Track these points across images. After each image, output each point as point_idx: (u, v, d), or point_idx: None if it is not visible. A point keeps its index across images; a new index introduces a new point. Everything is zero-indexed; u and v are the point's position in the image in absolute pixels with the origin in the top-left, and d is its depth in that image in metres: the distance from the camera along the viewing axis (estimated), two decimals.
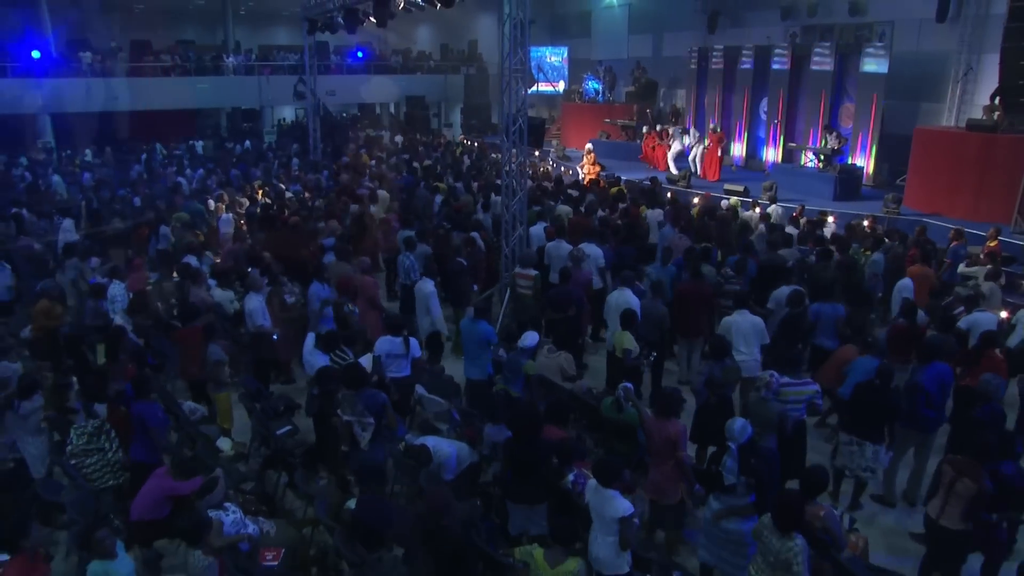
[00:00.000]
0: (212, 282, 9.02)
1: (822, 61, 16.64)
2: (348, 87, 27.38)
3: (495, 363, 7.21)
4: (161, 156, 21.60)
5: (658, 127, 19.69)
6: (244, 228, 12.30)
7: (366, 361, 6.77)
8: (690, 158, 17.78)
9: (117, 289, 8.58)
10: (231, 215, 12.64)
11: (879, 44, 15.80)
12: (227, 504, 5.09)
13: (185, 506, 5.01)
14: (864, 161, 16.06)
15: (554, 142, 23.21)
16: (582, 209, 11.90)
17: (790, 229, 10.64)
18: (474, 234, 10.09)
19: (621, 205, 12.43)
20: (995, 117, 12.91)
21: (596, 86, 23.91)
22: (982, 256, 9.53)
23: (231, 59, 26.17)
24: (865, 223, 11.66)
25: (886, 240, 10.05)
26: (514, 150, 9.59)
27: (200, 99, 25.20)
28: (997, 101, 13.11)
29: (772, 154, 18.36)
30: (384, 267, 11.44)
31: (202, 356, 7.10)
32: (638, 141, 20.45)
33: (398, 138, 25.73)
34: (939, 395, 6.04)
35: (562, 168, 19.64)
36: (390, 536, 4.80)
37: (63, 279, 9.79)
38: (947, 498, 4.91)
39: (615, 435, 5.99)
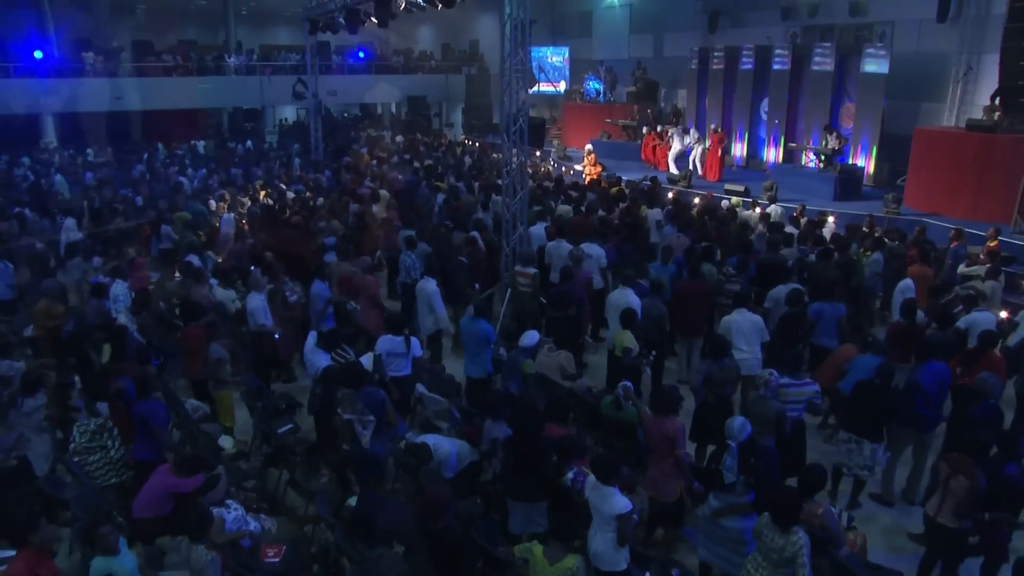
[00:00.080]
0: (214, 281, 9.06)
1: (823, 61, 16.65)
2: (349, 87, 27.44)
3: (495, 362, 7.25)
4: (163, 156, 21.65)
5: (658, 127, 19.71)
6: (246, 228, 12.34)
7: (367, 360, 6.81)
8: (691, 158, 17.80)
9: (120, 288, 8.62)
10: (233, 215, 12.69)
11: (879, 44, 15.82)
12: (229, 501, 5.14)
13: (187, 503, 5.04)
14: (864, 161, 16.08)
15: (555, 142, 23.24)
16: (582, 209, 11.93)
17: (790, 229, 10.66)
18: (474, 233, 10.12)
19: (621, 205, 12.44)
20: (995, 117, 12.93)
21: (597, 86, 23.93)
22: (982, 256, 9.54)
23: (233, 59, 26.22)
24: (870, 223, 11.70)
25: (886, 240, 10.06)
26: (515, 150, 9.62)
27: (202, 99, 25.23)
28: (997, 101, 13.13)
29: (773, 154, 18.39)
30: (385, 266, 11.47)
31: (204, 355, 7.14)
32: (639, 141, 20.47)
33: (399, 138, 25.78)
34: (937, 394, 6.07)
35: (563, 168, 19.67)
36: (391, 533, 4.84)
37: (66, 278, 9.84)
38: (943, 495, 4.95)
39: (614, 433, 6.02)
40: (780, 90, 17.81)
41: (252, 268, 8.75)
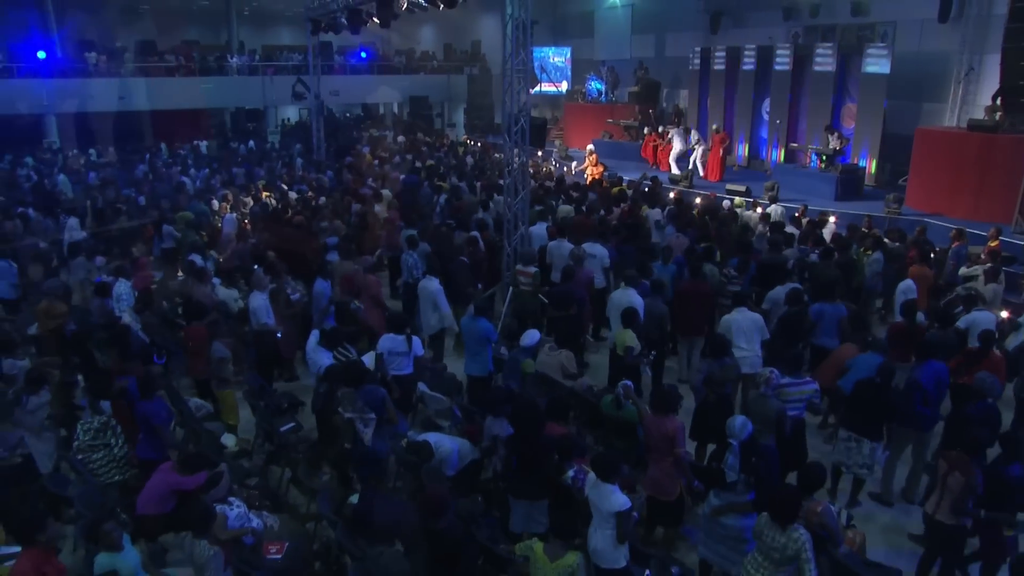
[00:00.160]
0: (216, 280, 9.10)
1: (824, 62, 16.66)
2: (352, 87, 27.48)
3: (496, 360, 7.28)
4: (165, 156, 21.70)
5: (660, 128, 19.73)
6: (248, 227, 12.38)
7: (369, 359, 6.85)
8: (692, 158, 17.82)
9: (123, 287, 8.66)
10: (235, 215, 12.73)
11: (881, 44, 15.82)
12: (231, 499, 5.17)
13: (190, 501, 5.08)
14: (866, 161, 16.08)
15: (557, 142, 23.27)
16: (583, 208, 11.97)
17: (791, 229, 10.68)
18: (474, 233, 10.16)
19: (622, 205, 12.46)
20: (996, 117, 12.94)
21: (599, 86, 23.96)
22: (983, 256, 9.55)
23: (235, 59, 26.27)
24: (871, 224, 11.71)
25: (886, 240, 10.08)
26: (516, 150, 9.65)
27: (204, 99, 25.28)
28: (998, 101, 13.13)
29: (774, 154, 18.39)
30: (387, 266, 11.52)
31: (207, 354, 7.18)
32: (640, 142, 20.49)
33: (401, 138, 25.83)
34: (935, 393, 6.09)
35: (564, 168, 19.70)
36: (392, 531, 4.87)
37: (70, 278, 9.88)
38: (941, 493, 4.98)
39: (615, 432, 6.05)
40: (782, 90, 17.82)
41: (255, 267, 8.78)
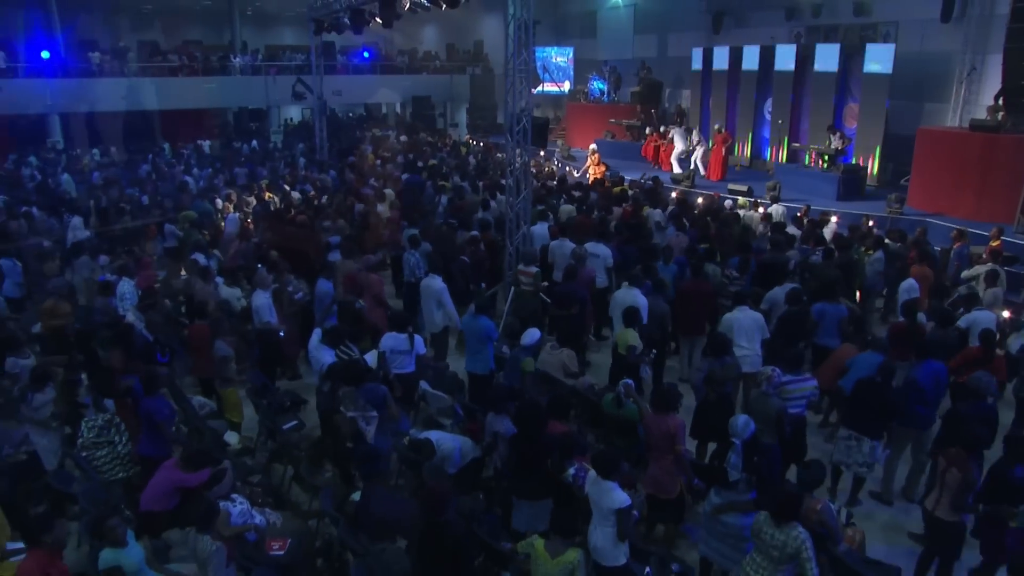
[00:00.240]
0: (219, 279, 9.15)
1: (826, 61, 16.65)
2: (354, 87, 27.52)
3: (498, 359, 7.31)
4: (168, 155, 21.77)
5: (661, 128, 19.76)
6: (250, 227, 12.43)
7: (372, 357, 6.88)
8: (694, 158, 17.83)
9: (126, 286, 8.71)
10: (237, 215, 12.77)
11: (883, 44, 15.82)
12: (234, 495, 5.21)
13: (193, 497, 5.12)
14: (868, 161, 16.08)
15: (559, 142, 23.29)
16: (584, 208, 12.00)
17: (792, 229, 10.70)
18: (474, 232, 10.20)
19: (623, 205, 12.49)
20: (998, 117, 12.94)
21: (601, 86, 23.97)
22: (984, 256, 9.56)
23: (238, 59, 26.34)
24: (870, 223, 11.72)
25: (887, 240, 10.09)
26: (518, 150, 9.68)
27: (207, 99, 25.36)
28: (1000, 101, 13.14)
29: (776, 154, 18.41)
30: (390, 265, 11.56)
31: (210, 352, 7.22)
32: (642, 141, 20.52)
33: (403, 137, 25.88)
34: (933, 392, 6.11)
35: (566, 168, 19.72)
36: (393, 528, 4.90)
37: (74, 277, 9.93)
38: (940, 489, 5.00)
39: (615, 430, 6.08)
40: (784, 90, 17.83)
41: (259, 266, 8.82)
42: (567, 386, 6.82)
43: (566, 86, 26.71)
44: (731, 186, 15.50)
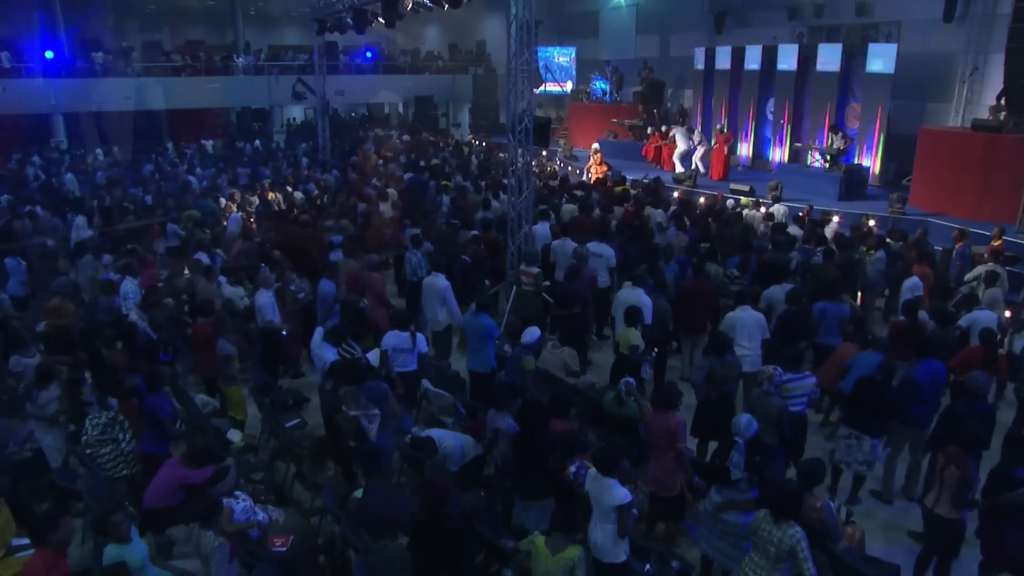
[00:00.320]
0: (222, 278, 9.18)
1: (828, 61, 16.67)
2: (357, 87, 27.55)
3: (499, 358, 7.34)
4: (172, 155, 21.83)
5: (663, 128, 19.78)
6: (253, 226, 12.46)
7: (374, 356, 6.91)
8: (695, 158, 17.85)
9: (130, 286, 8.74)
10: (240, 214, 12.81)
11: (886, 44, 15.82)
12: (237, 493, 5.24)
13: (197, 494, 5.15)
14: (870, 161, 16.10)
15: (561, 142, 23.31)
16: (585, 207, 12.01)
17: (794, 229, 10.71)
18: (474, 232, 10.23)
19: (625, 204, 12.51)
20: (1001, 117, 12.94)
21: (603, 86, 24.00)
22: (985, 256, 9.57)
23: (241, 59, 26.40)
24: (871, 223, 11.73)
25: (888, 240, 10.10)
26: (520, 150, 9.71)
27: (210, 99, 25.42)
28: (1003, 101, 13.13)
29: (778, 154, 18.42)
30: (393, 264, 11.61)
31: (213, 351, 7.25)
32: (645, 141, 20.54)
33: (406, 137, 25.93)
34: (931, 391, 6.12)
35: (569, 168, 19.74)
36: (395, 525, 4.94)
37: (78, 276, 9.97)
38: (940, 487, 5.02)
39: (616, 429, 6.10)
40: (786, 90, 17.84)
41: (261, 266, 8.86)
42: (568, 385, 6.85)
43: (568, 86, 26.74)
44: (733, 186, 15.52)
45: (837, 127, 16.07)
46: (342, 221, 11.66)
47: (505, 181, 11.02)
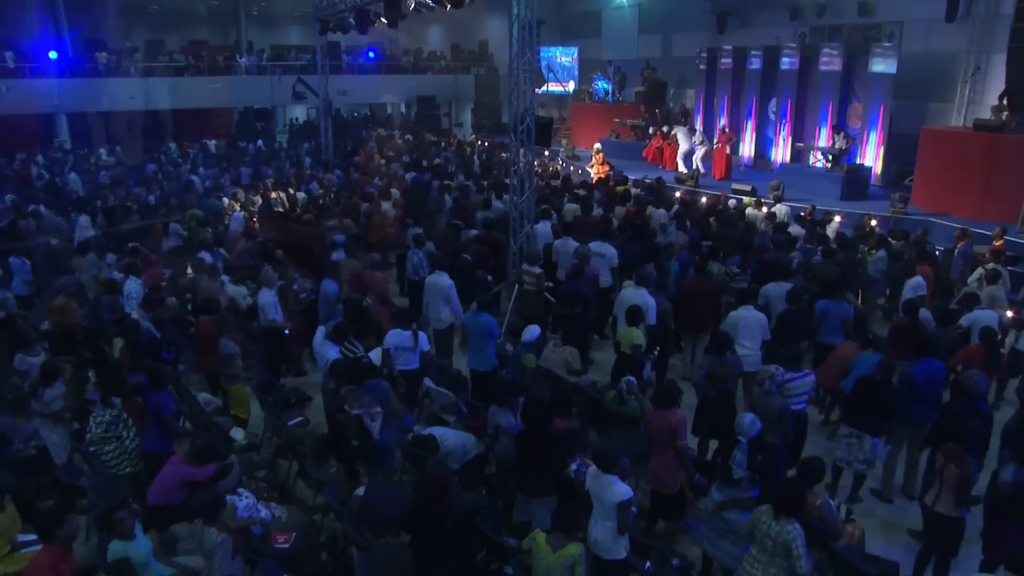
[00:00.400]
0: (224, 278, 9.23)
1: (831, 61, 16.68)
2: (359, 87, 27.57)
3: (500, 356, 7.37)
4: (175, 154, 21.88)
5: (664, 128, 19.80)
6: (255, 226, 12.50)
7: (376, 355, 6.94)
8: (695, 158, 17.87)
9: (133, 285, 8.78)
10: (243, 213, 12.86)
11: (888, 44, 15.83)
12: (240, 490, 5.27)
13: (200, 491, 5.18)
14: (872, 161, 16.10)
15: (564, 142, 23.33)
16: (586, 207, 12.03)
17: (796, 229, 10.73)
18: (474, 231, 10.26)
19: (627, 204, 12.53)
20: (1003, 117, 12.94)
21: (606, 86, 24.01)
22: (987, 256, 9.58)
23: (244, 59, 26.44)
24: (873, 222, 11.74)
25: (890, 240, 10.11)
26: (522, 149, 9.74)
27: (213, 99, 25.47)
28: (1005, 101, 13.13)
29: (780, 154, 18.43)
30: (394, 263, 11.64)
31: (216, 349, 7.29)
32: (647, 141, 20.56)
33: (408, 136, 25.96)
34: (928, 390, 6.13)
35: (571, 167, 19.76)
36: (397, 522, 4.97)
37: (82, 275, 10.01)
38: (940, 485, 5.04)
39: (618, 427, 6.12)
40: (788, 90, 17.85)
41: (264, 265, 8.89)
42: (569, 383, 6.88)
43: (570, 86, 26.75)
44: (735, 185, 15.52)
45: (839, 127, 16.08)
46: (345, 221, 11.70)
47: (507, 181, 11.05)
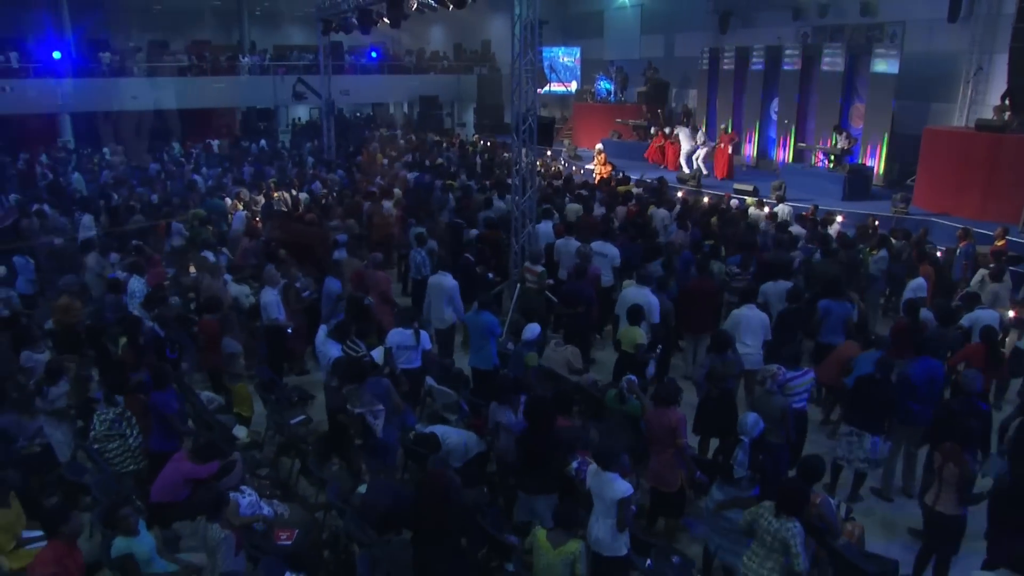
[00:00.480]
0: (228, 277, 9.26)
1: (833, 61, 16.68)
2: (362, 87, 27.62)
3: (502, 355, 7.39)
4: (179, 153, 21.94)
5: (666, 129, 19.81)
6: (258, 225, 12.54)
7: (378, 353, 6.97)
8: (695, 158, 17.88)
9: (136, 284, 8.82)
10: (245, 213, 12.90)
11: (890, 44, 15.83)
12: (243, 487, 5.32)
13: (203, 488, 5.21)
14: (874, 161, 16.10)
15: (566, 142, 23.36)
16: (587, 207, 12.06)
17: (797, 229, 10.73)
18: (475, 231, 10.29)
19: (629, 204, 12.54)
20: (1005, 117, 12.94)
21: (608, 86, 24.02)
22: (988, 256, 9.58)
23: (246, 59, 26.49)
24: (876, 223, 11.76)
25: (892, 240, 10.12)
26: (524, 149, 9.77)
27: (216, 99, 25.52)
28: (1007, 101, 13.13)
29: (782, 154, 18.43)
30: (397, 263, 11.66)
31: (219, 348, 7.32)
32: (649, 141, 20.58)
33: (411, 136, 25.99)
34: (926, 389, 6.14)
35: (573, 167, 19.79)
36: (399, 520, 5.00)
37: (86, 274, 10.06)
38: (940, 485, 5.05)
39: (619, 426, 6.14)
40: (790, 90, 17.85)
41: (268, 265, 8.93)
42: (571, 382, 6.90)
43: (573, 86, 26.77)
44: (737, 185, 15.53)
45: (841, 127, 16.07)
46: (348, 221, 11.74)
47: (509, 181, 11.08)
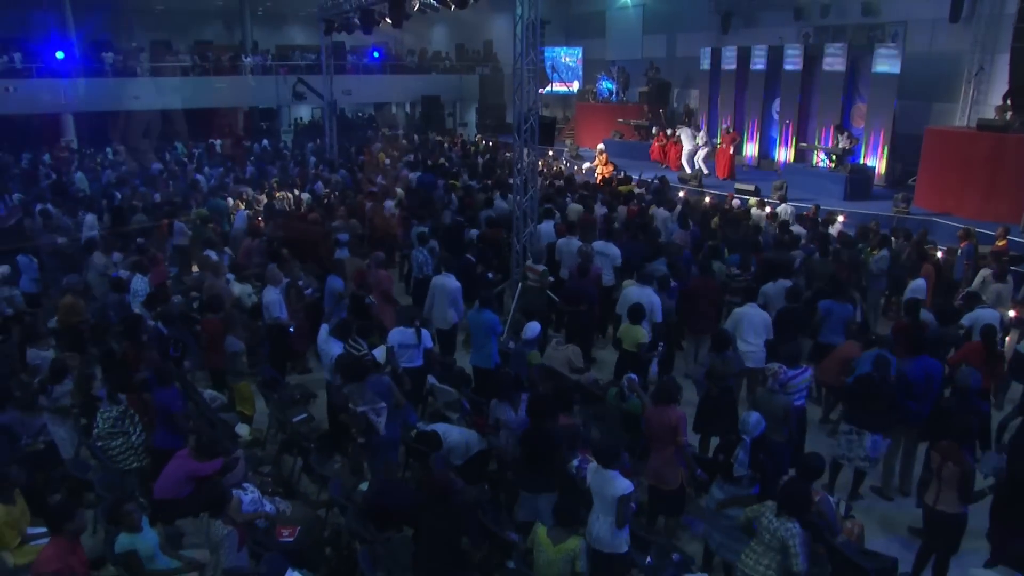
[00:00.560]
0: (230, 276, 9.30)
1: (834, 61, 16.69)
2: (364, 87, 27.65)
3: (503, 354, 7.42)
4: (182, 153, 21.99)
5: (668, 129, 19.82)
6: (260, 224, 12.58)
7: (380, 352, 6.99)
8: (696, 158, 17.89)
9: (139, 283, 8.86)
10: (247, 212, 12.94)
11: (892, 44, 15.84)
12: (246, 484, 5.35)
13: (206, 485, 5.24)
14: (876, 161, 16.10)
15: (568, 142, 23.38)
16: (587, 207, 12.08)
17: (798, 228, 10.75)
18: (474, 231, 10.32)
19: (630, 204, 12.56)
20: (1006, 117, 12.94)
21: (610, 86, 24.05)
22: (988, 256, 9.59)
23: (249, 59, 26.54)
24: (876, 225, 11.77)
25: (893, 240, 10.13)
26: (525, 149, 9.80)
27: (218, 98, 25.57)
28: (1008, 101, 13.13)
29: (784, 154, 18.44)
30: (399, 263, 11.68)
31: (222, 347, 7.35)
32: (650, 141, 20.60)
33: (414, 136, 26.03)
34: (923, 388, 6.15)
35: (575, 167, 19.81)
36: (400, 517, 5.02)
37: (89, 274, 10.10)
38: (939, 484, 5.06)
39: (620, 424, 6.17)
40: (792, 90, 17.86)
41: (270, 264, 8.96)
42: (571, 381, 6.93)
43: (575, 86, 26.79)
44: (738, 185, 15.55)
45: (843, 127, 16.08)
46: (351, 220, 11.77)
47: (511, 180, 11.11)
